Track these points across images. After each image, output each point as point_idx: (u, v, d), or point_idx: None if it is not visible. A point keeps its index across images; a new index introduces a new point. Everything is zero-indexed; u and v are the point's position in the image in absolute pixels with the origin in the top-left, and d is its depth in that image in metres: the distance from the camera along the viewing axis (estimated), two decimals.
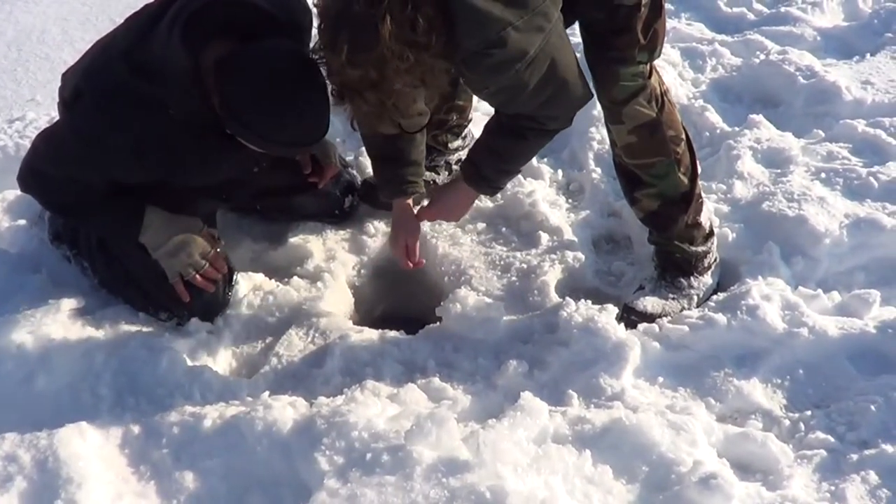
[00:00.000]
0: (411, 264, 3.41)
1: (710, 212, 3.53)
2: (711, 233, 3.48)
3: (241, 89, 2.75)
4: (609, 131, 3.28)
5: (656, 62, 3.19)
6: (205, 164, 3.01)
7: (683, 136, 3.30)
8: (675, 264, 3.43)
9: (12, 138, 4.21)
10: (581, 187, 4.12)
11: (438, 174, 3.91)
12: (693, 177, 3.34)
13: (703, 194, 3.44)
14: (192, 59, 2.75)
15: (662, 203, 3.32)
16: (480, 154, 3.14)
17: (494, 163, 3.12)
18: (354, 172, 3.89)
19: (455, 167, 3.91)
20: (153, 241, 3.12)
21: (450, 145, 3.93)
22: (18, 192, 3.81)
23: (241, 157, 3.02)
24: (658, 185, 3.29)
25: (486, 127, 3.11)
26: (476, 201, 3.78)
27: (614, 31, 2.96)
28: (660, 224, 3.40)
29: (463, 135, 3.97)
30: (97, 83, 2.90)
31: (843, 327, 3.18)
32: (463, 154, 3.92)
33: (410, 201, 3.40)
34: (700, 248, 3.42)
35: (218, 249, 3.25)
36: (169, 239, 3.13)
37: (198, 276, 3.18)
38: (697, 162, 3.39)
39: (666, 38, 3.19)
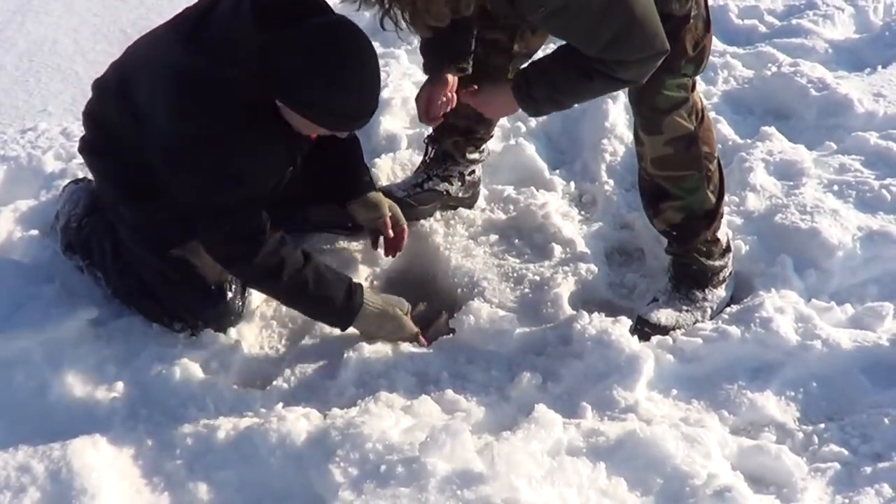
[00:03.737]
0: (427, 117, 3.38)
1: (725, 227, 3.52)
2: (729, 248, 3.48)
3: (298, 59, 2.73)
4: (640, 143, 3.26)
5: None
6: (262, 152, 2.96)
7: (716, 155, 3.30)
8: (691, 276, 3.42)
9: (24, 148, 4.23)
10: (594, 199, 4.12)
11: (451, 184, 3.83)
12: (720, 196, 3.35)
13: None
14: (263, 34, 2.74)
15: (686, 217, 3.31)
16: (539, 72, 2.96)
17: (548, 89, 2.94)
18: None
19: (468, 178, 3.87)
20: (364, 329, 3.23)
21: (468, 155, 3.82)
22: (31, 202, 3.84)
23: (284, 149, 3.04)
24: (686, 199, 3.29)
25: (556, 52, 2.92)
26: (489, 214, 3.79)
27: None
28: (680, 237, 3.39)
29: (481, 149, 3.89)
30: (167, 79, 2.87)
31: (856, 340, 3.18)
32: (477, 168, 3.91)
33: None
34: (717, 263, 3.42)
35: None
36: (379, 329, 3.21)
37: None
38: (725, 183, 3.40)
39: None
